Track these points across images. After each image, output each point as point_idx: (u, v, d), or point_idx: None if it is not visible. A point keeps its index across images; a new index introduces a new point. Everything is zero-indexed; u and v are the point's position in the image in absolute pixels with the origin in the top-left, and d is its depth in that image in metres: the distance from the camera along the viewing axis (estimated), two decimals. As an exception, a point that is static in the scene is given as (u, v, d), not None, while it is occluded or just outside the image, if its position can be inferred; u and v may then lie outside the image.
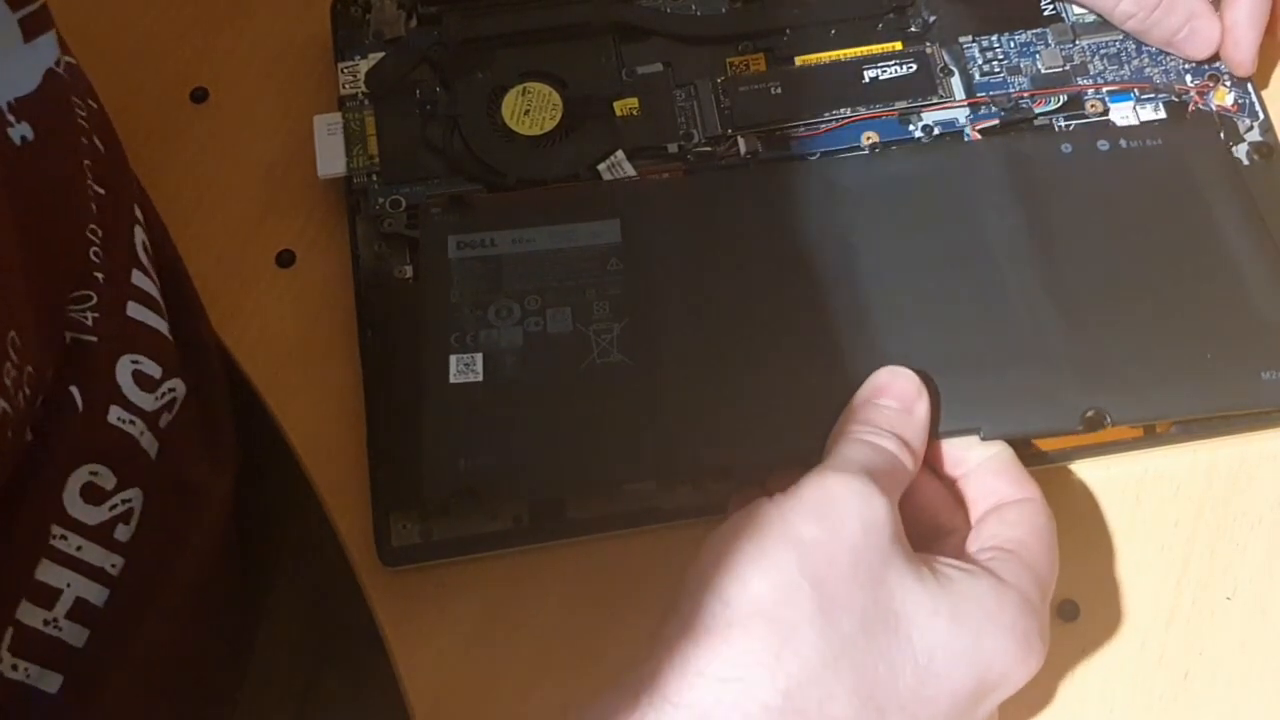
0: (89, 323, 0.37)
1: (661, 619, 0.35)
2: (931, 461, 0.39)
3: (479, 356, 0.41)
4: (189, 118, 0.49)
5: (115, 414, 0.37)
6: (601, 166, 0.45)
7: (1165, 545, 0.41)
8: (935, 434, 0.39)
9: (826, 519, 0.34)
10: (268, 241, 0.46)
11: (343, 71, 0.47)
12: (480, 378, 0.40)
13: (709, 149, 0.45)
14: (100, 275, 0.37)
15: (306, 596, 0.58)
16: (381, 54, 0.47)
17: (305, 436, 0.43)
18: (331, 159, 0.45)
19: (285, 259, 0.46)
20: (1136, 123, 0.46)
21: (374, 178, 0.45)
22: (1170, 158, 0.44)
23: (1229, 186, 0.44)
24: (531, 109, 0.46)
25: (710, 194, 0.44)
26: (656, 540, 0.41)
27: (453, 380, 0.40)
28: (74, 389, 0.36)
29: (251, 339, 0.45)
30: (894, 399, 0.38)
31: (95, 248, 0.37)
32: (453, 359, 0.41)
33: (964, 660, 0.34)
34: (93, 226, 0.37)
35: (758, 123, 0.46)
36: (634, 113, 0.46)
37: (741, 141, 0.45)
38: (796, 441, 0.39)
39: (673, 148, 0.45)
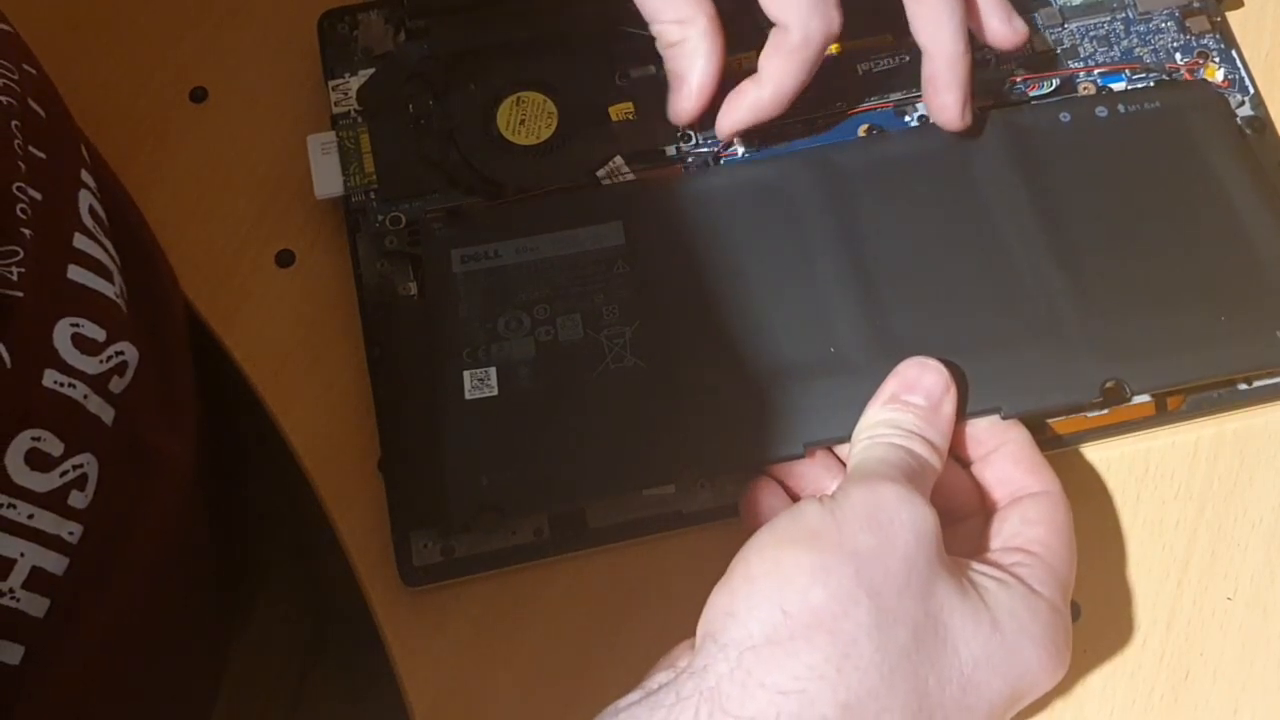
0: (14, 278, 0.36)
1: (706, 620, 0.34)
2: (950, 445, 0.39)
3: (492, 370, 0.40)
4: (189, 118, 0.48)
5: (51, 377, 0.36)
6: (600, 173, 0.44)
7: (1166, 545, 0.41)
8: (958, 417, 0.39)
9: (882, 529, 0.34)
10: (268, 241, 0.46)
11: (334, 90, 0.46)
12: (495, 392, 0.40)
13: (707, 150, 0.45)
14: (28, 232, 0.36)
15: (303, 594, 0.58)
16: (372, 70, 0.46)
17: (307, 437, 0.43)
18: (328, 179, 0.44)
19: (285, 258, 0.46)
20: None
21: (372, 195, 0.44)
22: (1169, 120, 0.44)
23: (1230, 144, 0.43)
24: (527, 118, 0.45)
25: (712, 191, 0.43)
26: (675, 544, 0.41)
27: (468, 396, 0.40)
28: (1, 346, 0.35)
29: (251, 339, 0.45)
30: (922, 395, 0.38)
31: (23, 205, 0.37)
32: (466, 375, 0.40)
33: (1002, 670, 0.34)
34: (20, 184, 0.37)
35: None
36: (630, 117, 0.45)
37: (739, 140, 0.45)
38: (817, 435, 0.39)
39: (671, 150, 0.45)
